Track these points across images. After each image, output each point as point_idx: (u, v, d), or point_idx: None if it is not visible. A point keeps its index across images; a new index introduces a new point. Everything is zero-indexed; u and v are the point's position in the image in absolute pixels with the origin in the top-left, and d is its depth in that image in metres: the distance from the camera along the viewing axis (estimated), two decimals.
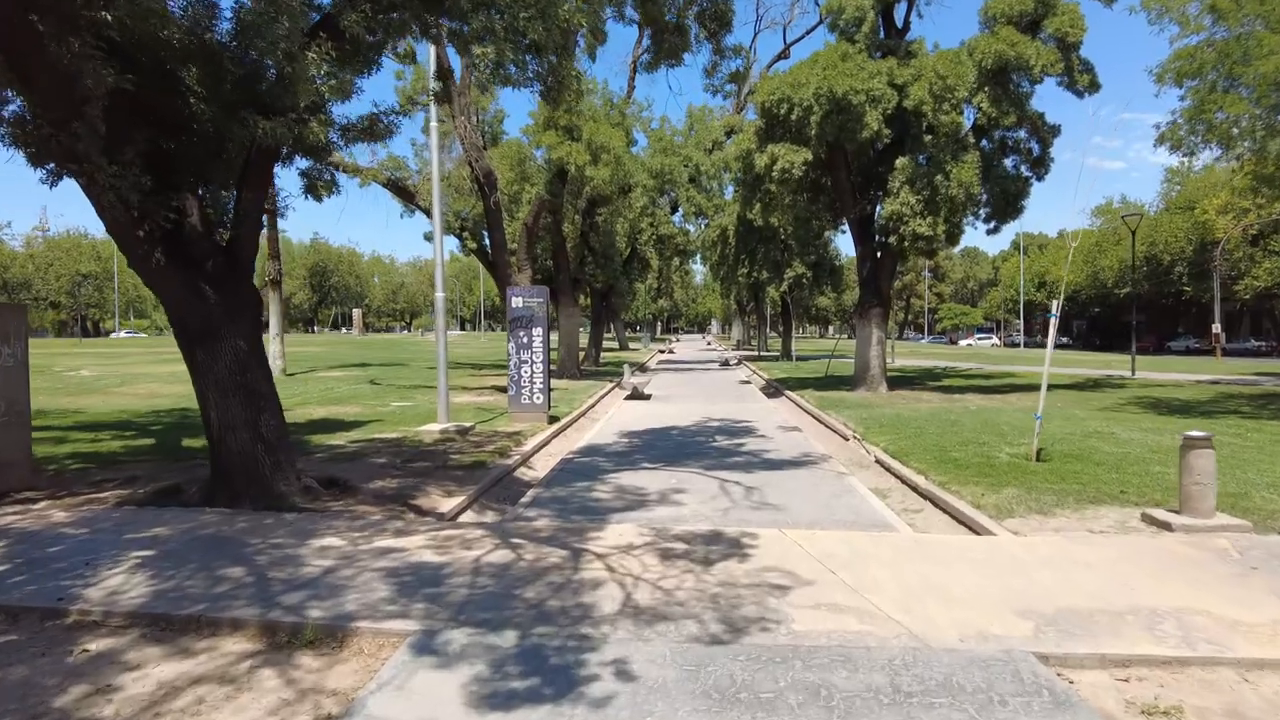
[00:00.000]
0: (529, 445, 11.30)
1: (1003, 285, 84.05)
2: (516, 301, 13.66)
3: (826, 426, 14.13)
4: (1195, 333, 62.21)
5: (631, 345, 63.56)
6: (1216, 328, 45.71)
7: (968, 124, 18.28)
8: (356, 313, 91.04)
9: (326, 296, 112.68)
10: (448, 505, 7.59)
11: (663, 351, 54.48)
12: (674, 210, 33.30)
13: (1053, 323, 9.81)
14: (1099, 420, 13.32)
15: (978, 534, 6.64)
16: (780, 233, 34.04)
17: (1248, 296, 52.37)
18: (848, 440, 12.44)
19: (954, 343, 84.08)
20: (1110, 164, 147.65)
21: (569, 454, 10.74)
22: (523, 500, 7.81)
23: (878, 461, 10.57)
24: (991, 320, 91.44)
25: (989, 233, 18.72)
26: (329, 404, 16.83)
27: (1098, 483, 8.09)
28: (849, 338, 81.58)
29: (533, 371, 13.57)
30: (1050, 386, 22.11)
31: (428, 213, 20.22)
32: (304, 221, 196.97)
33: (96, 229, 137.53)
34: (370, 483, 8.51)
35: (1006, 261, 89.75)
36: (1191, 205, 55.95)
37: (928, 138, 18.10)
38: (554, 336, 31.34)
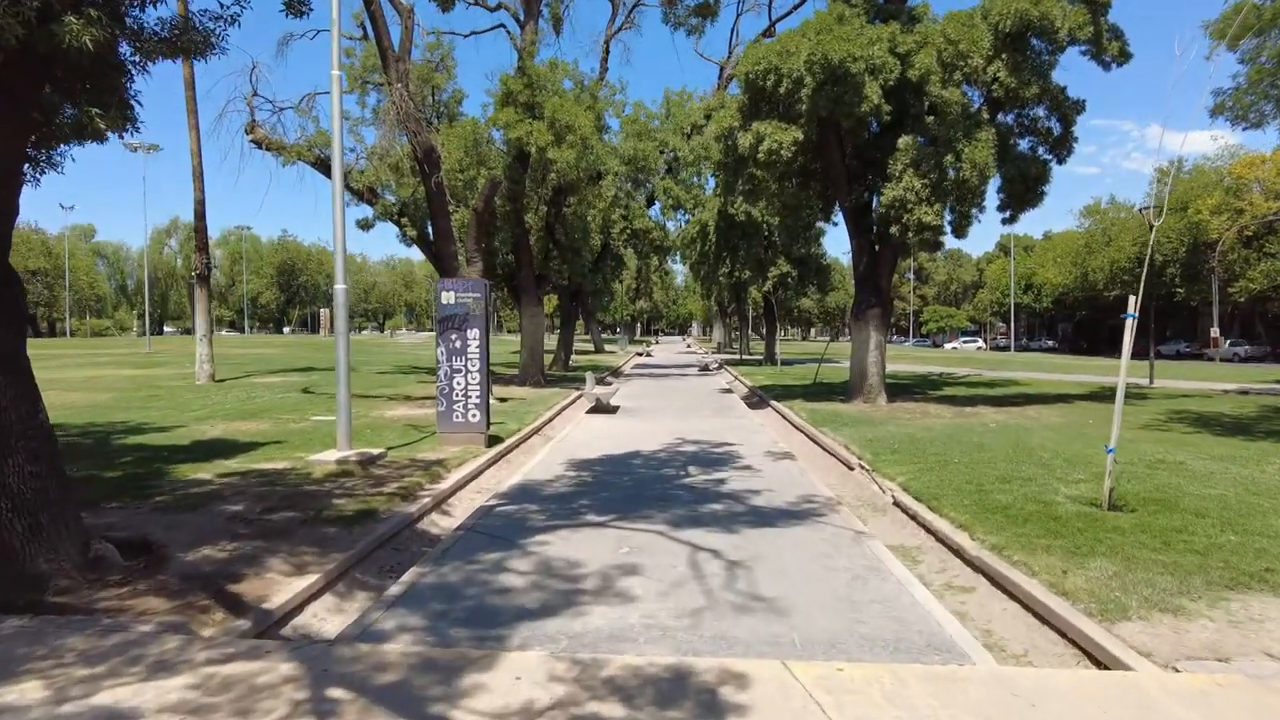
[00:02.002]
0: (449, 481, 8.80)
1: (988, 287, 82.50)
2: (447, 296, 11.15)
3: (824, 449, 11.75)
4: (1185, 336, 60.72)
5: (608, 348, 61.03)
6: (1214, 331, 44.07)
7: (977, 102, 16.04)
8: (324, 313, 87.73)
9: (295, 296, 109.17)
10: (285, 594, 5.10)
11: (640, 355, 52.03)
12: (650, 203, 30.92)
13: (1129, 325, 7.49)
14: (1151, 443, 11.05)
15: (1096, 660, 4.26)
16: (764, 228, 31.76)
17: (1243, 299, 50.84)
18: (852, 470, 10.07)
19: (937, 345, 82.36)
20: (1085, 169, 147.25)
21: (495, 496, 8.20)
22: (391, 591, 5.27)
23: (896, 504, 8.20)
24: (976, 323, 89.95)
25: (1004, 222, 16.48)
26: (237, 418, 14.26)
27: (1220, 550, 5.75)
28: (834, 340, 79.97)
29: (467, 383, 11.08)
30: (1063, 396, 20.00)
31: (360, 195, 17.70)
32: (273, 218, 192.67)
33: (49, 222, 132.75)
34: (196, 549, 6.01)
35: (992, 264, 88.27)
36: (1184, 206, 54.45)
37: (929, 119, 15.86)
38: (516, 339, 28.74)
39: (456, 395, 11.10)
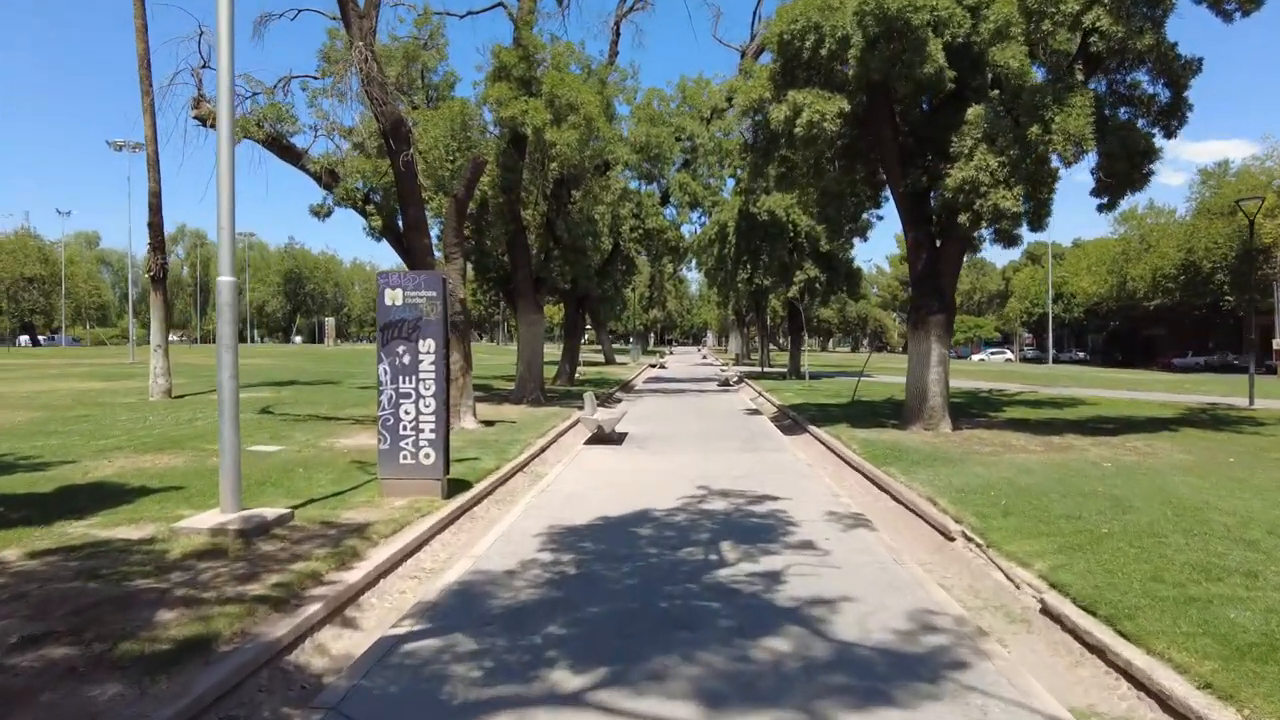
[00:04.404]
0: (364, 566, 5.93)
1: (1017, 297, 78.96)
2: (391, 295, 8.33)
3: (897, 500, 8.80)
4: (1231, 347, 56.92)
5: (620, 359, 58.07)
6: (1278, 343, 40.66)
7: (1040, 73, 13.18)
8: (329, 321, 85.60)
9: (302, 304, 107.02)
10: None
11: (653, 367, 49.06)
12: (665, 200, 28.09)
13: None
14: None
15: None
16: (789, 228, 28.83)
17: None
18: (952, 540, 7.11)
19: (961, 357, 78.73)
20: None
21: (413, 613, 5.07)
22: None
23: (1047, 612, 5.26)
24: (1003, 334, 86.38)
25: (1101, 208, 13.48)
26: (154, 449, 11.52)
27: None
28: (852, 351, 77.00)
29: (419, 411, 8.22)
30: (1158, 421, 16.64)
31: (318, 178, 14.98)
32: (281, 225, 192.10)
33: (47, 229, 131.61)
34: None
35: (1018, 272, 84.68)
36: (1232, 210, 50.94)
37: (994, 93, 13.02)
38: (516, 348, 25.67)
39: (404, 429, 8.24)
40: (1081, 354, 75.26)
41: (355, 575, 5.74)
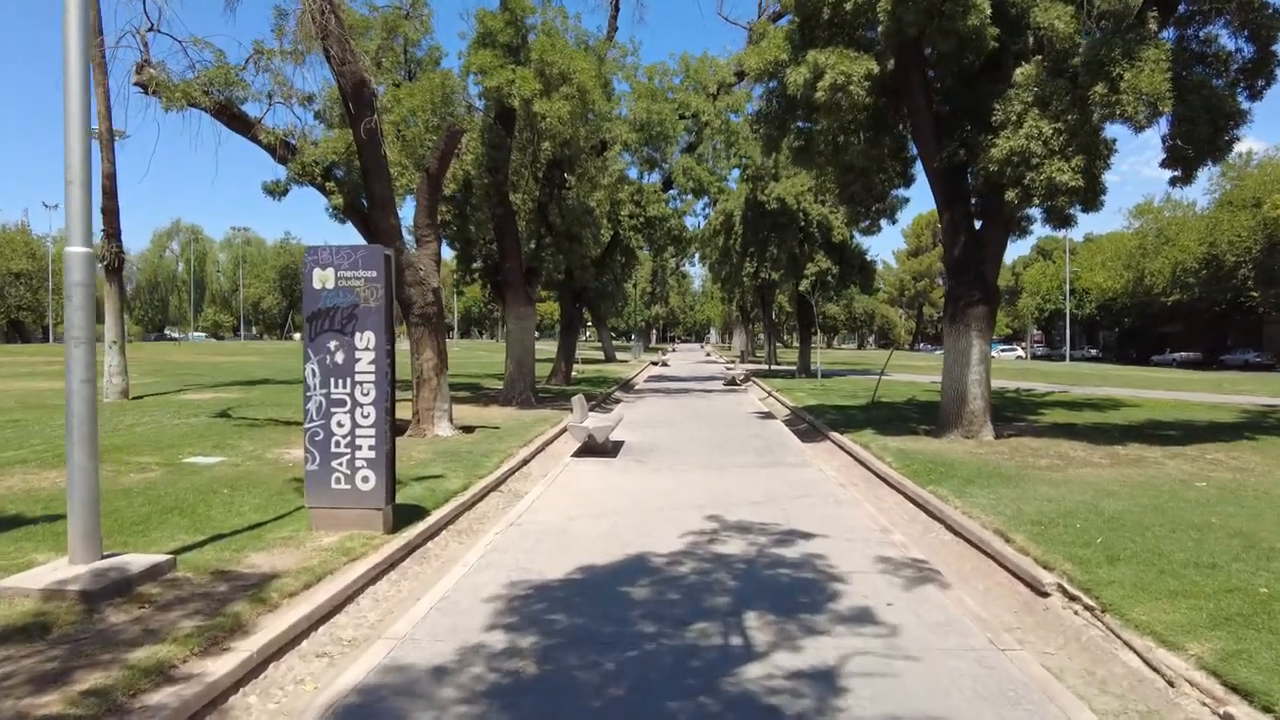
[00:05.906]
0: (245, 648, 4.20)
1: (1028, 292, 77.05)
2: (321, 277, 6.59)
3: (957, 534, 7.06)
4: (1252, 344, 55.05)
5: (620, 356, 56.23)
6: None
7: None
8: None
9: (297, 301, 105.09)
10: None
11: (655, 364, 47.28)
12: (667, 186, 26.33)
13: None
14: None
15: None
16: (800, 216, 27.05)
17: None
18: (1046, 595, 5.38)
19: None
20: (1105, 176, 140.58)
21: None
22: None
23: None
24: (1012, 330, 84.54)
25: (1173, 182, 11.66)
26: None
27: None
28: (858, 348, 75.20)
29: (355, 424, 6.49)
30: (1229, 428, 14.63)
31: (272, 150, 13.23)
32: (274, 220, 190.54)
33: (35, 224, 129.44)
34: None
35: (1029, 268, 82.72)
36: (1258, 202, 49.04)
37: (1036, 58, 11.31)
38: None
39: (337, 445, 6.51)
40: (1094, 351, 73.39)
41: (227, 664, 4.02)
